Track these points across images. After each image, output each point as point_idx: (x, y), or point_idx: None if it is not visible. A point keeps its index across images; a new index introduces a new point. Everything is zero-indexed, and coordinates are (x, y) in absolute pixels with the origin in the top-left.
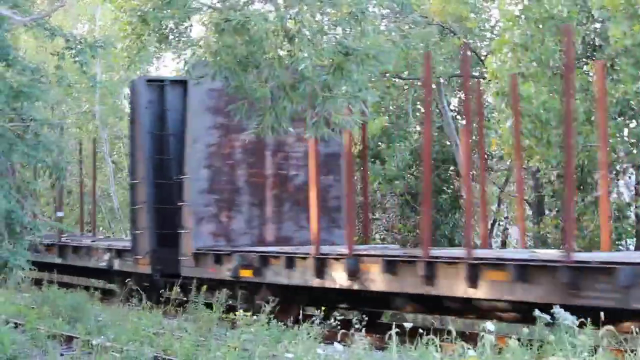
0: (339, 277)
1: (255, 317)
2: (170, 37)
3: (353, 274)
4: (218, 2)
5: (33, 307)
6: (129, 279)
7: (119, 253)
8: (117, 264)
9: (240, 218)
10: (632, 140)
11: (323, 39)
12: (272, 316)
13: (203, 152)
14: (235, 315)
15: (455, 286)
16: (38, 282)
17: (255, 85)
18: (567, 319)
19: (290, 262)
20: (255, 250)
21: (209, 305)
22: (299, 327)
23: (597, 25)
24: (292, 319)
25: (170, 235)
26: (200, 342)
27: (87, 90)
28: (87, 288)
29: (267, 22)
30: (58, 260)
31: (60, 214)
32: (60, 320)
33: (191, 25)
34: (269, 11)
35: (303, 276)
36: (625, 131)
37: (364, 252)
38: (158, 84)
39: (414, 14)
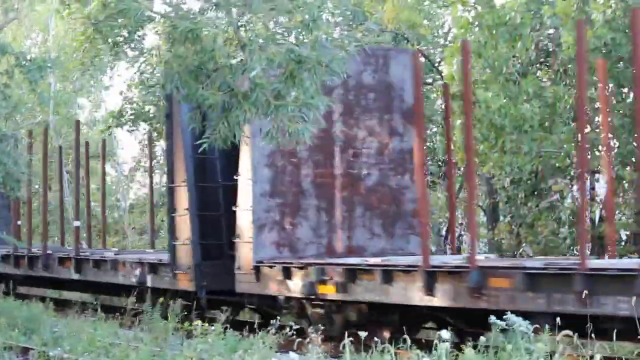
0: (455, 294)
1: (211, 327)
2: (124, 46)
3: (478, 290)
4: (171, 11)
5: None
6: (162, 297)
7: (154, 268)
8: (150, 280)
9: (306, 225)
10: (587, 146)
11: (275, 47)
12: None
13: (264, 149)
14: (191, 325)
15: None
16: None
17: (207, 94)
18: (522, 324)
19: (387, 276)
20: (340, 263)
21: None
22: (254, 336)
23: (551, 31)
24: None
25: (216, 247)
26: (156, 352)
27: (40, 101)
28: (42, 299)
29: (217, 29)
30: (75, 276)
31: (77, 223)
32: (16, 332)
33: (144, 35)
34: (220, 19)
35: (406, 293)
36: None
37: (491, 264)
38: None
39: (367, 22)
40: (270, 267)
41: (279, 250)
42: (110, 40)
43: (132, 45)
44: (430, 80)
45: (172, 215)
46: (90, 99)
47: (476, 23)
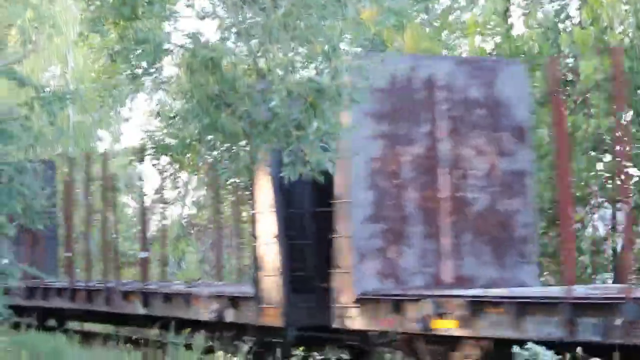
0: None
1: (235, 359)
2: (143, 78)
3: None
4: (189, 42)
5: (10, 351)
6: (245, 335)
7: (234, 302)
8: (230, 315)
9: (411, 253)
10: (608, 175)
11: (295, 76)
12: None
13: (365, 168)
14: (214, 355)
15: None
16: (16, 326)
17: (228, 123)
18: (546, 355)
19: (521, 309)
20: (461, 295)
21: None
22: None
23: (569, 60)
24: None
25: (305, 279)
26: None
27: (58, 134)
28: (65, 331)
29: (236, 57)
30: (142, 311)
31: (143, 254)
32: None
33: (162, 66)
34: (240, 47)
35: (543, 328)
36: (599, 165)
37: None
38: None
39: (387, 51)
40: (377, 300)
41: (383, 281)
42: (128, 71)
43: (151, 76)
44: None
45: (256, 243)
46: (110, 131)
47: (494, 53)
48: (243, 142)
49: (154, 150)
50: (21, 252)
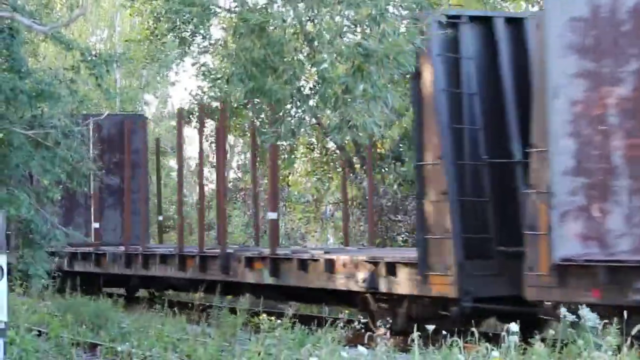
0: None
1: (278, 321)
2: (190, 40)
3: None
4: (236, 6)
5: (56, 315)
6: (400, 306)
7: (391, 268)
8: (385, 284)
9: (617, 212)
10: None
11: (342, 40)
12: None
13: (565, 112)
14: (259, 319)
15: None
16: (61, 290)
17: (275, 87)
18: (591, 318)
19: None
20: None
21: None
22: (322, 330)
23: None
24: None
25: (481, 242)
26: (224, 347)
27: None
28: (110, 295)
29: (285, 23)
30: (269, 280)
31: (272, 215)
32: (83, 328)
33: (209, 29)
34: (287, 12)
35: None
36: None
37: None
38: (452, 21)
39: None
40: (584, 267)
41: (585, 244)
42: (175, 34)
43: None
44: None
45: (421, 201)
46: (157, 95)
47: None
48: (289, 106)
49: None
50: (115, 216)
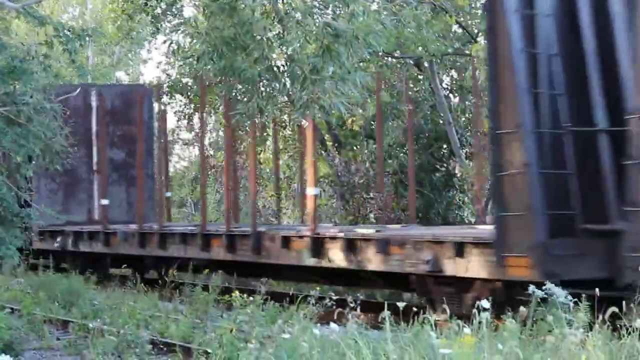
0: None
1: (250, 298)
2: (161, 17)
3: None
4: None
5: (29, 293)
6: (468, 290)
7: (459, 249)
8: (450, 267)
9: None
10: None
11: (312, 20)
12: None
13: None
14: (231, 297)
15: None
16: (34, 267)
17: (243, 66)
18: (561, 295)
19: None
20: None
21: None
22: (294, 307)
23: None
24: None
25: (564, 220)
26: (196, 324)
27: (78, 74)
28: (82, 272)
29: (255, 2)
30: (311, 262)
31: (168, 194)
32: (56, 305)
33: (182, 7)
34: None
35: None
36: None
37: None
38: None
39: None
40: None
41: None
42: (147, 11)
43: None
44: (467, 52)
45: (498, 174)
46: (129, 73)
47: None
48: (259, 85)
49: (170, 89)
50: (120, 192)
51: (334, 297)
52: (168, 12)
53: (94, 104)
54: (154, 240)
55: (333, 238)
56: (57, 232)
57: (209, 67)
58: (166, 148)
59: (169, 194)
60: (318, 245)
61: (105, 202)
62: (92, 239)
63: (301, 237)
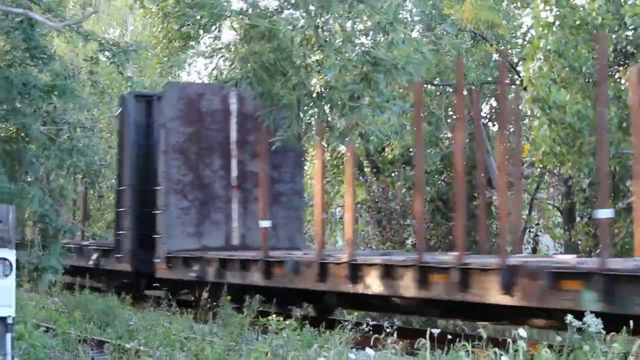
0: None
1: (286, 322)
2: (201, 41)
3: None
4: (248, 9)
5: (64, 312)
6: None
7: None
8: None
9: None
10: None
11: (351, 48)
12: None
13: None
14: (267, 320)
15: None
16: (70, 287)
17: (282, 92)
18: (596, 325)
19: None
20: None
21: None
22: (330, 332)
23: (630, 32)
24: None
25: None
26: (231, 347)
27: (118, 95)
28: (118, 293)
29: (295, 29)
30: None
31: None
32: (91, 325)
33: (220, 30)
34: (298, 19)
35: None
36: None
37: None
38: None
39: (445, 22)
40: None
41: None
42: (186, 34)
43: (209, 40)
44: (508, 81)
45: None
46: None
47: (557, 22)
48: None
49: None
50: (253, 210)
51: (371, 323)
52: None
53: (233, 107)
54: (341, 273)
55: (471, 270)
56: (193, 258)
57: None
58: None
59: (324, 216)
60: (466, 276)
61: (266, 223)
62: (245, 268)
63: (445, 269)
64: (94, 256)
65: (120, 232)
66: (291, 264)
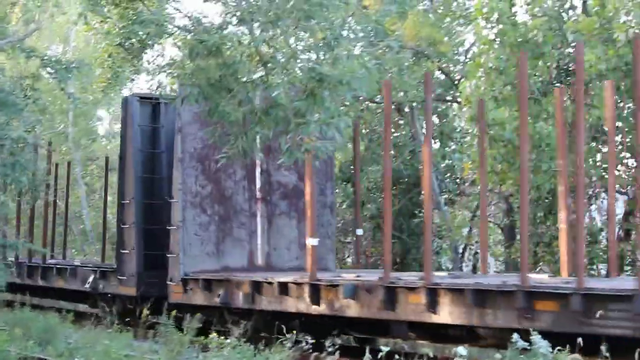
0: None
1: (227, 340)
2: (145, 57)
3: None
4: (192, 25)
5: (4, 329)
6: None
7: None
8: None
9: None
10: (605, 165)
11: (296, 64)
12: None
13: None
14: (206, 338)
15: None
16: (10, 304)
17: (228, 109)
18: (542, 345)
19: None
20: None
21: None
22: (270, 350)
23: (572, 50)
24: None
25: None
26: None
27: (60, 111)
28: (59, 310)
29: (240, 45)
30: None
31: (359, 231)
32: (31, 343)
33: (164, 48)
34: (243, 34)
35: None
36: (598, 156)
37: None
38: None
39: (387, 39)
40: None
41: None
42: (130, 51)
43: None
44: (449, 98)
45: None
46: (110, 111)
47: (498, 40)
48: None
49: None
50: (289, 229)
51: (310, 341)
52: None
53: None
54: (416, 299)
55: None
56: (217, 281)
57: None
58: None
59: (360, 232)
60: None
61: (314, 241)
62: (285, 292)
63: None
64: (91, 278)
65: (124, 251)
66: (348, 288)
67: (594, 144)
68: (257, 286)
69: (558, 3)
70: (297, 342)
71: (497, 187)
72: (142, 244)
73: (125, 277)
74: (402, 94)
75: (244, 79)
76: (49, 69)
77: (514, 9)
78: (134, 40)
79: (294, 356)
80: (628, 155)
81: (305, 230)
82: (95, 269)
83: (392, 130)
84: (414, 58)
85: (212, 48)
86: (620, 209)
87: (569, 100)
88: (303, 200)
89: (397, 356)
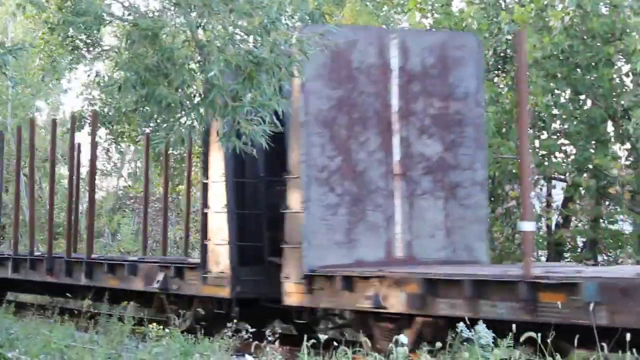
0: None
1: (166, 330)
2: (83, 49)
3: None
4: (129, 14)
5: None
6: None
7: None
8: None
9: None
10: (543, 152)
11: (233, 48)
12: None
13: None
14: (147, 328)
15: None
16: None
17: (165, 93)
18: (485, 334)
19: None
20: None
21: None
22: (210, 339)
23: (509, 37)
24: (203, 331)
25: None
26: (111, 354)
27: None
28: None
29: (176, 29)
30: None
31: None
32: None
33: (101, 38)
34: (179, 19)
35: None
36: (536, 142)
37: None
38: None
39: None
40: None
41: None
42: (68, 42)
43: (90, 47)
44: None
45: None
46: (49, 102)
47: (433, 30)
48: (179, 114)
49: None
50: (434, 211)
51: (251, 330)
52: (89, 44)
53: (394, 61)
54: None
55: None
56: (361, 278)
57: (129, 96)
58: None
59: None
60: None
61: (530, 226)
62: (478, 294)
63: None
64: (160, 276)
65: (215, 242)
66: (590, 287)
67: (531, 131)
68: (431, 285)
69: None
70: (237, 330)
71: None
72: (236, 234)
73: (213, 275)
74: None
75: (180, 63)
76: None
77: None
78: (72, 29)
79: (235, 345)
80: (567, 142)
81: (454, 214)
82: (168, 264)
83: None
84: None
85: (148, 33)
86: (558, 196)
87: (506, 88)
88: (450, 176)
89: None
